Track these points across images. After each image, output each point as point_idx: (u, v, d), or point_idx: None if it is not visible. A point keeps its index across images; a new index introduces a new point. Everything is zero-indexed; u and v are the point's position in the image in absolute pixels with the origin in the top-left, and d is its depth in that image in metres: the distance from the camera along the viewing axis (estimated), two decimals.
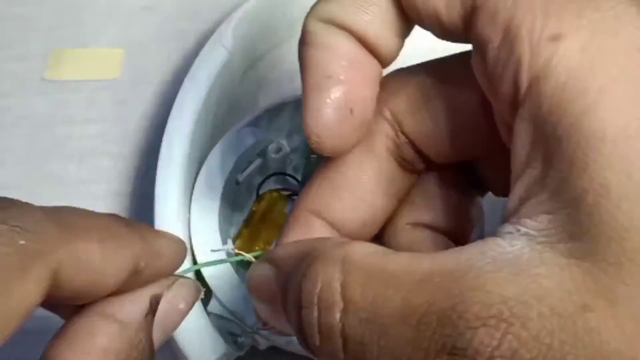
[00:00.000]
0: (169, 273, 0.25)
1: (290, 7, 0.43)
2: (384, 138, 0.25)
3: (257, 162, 0.39)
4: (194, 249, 0.34)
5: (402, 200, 0.26)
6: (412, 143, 0.25)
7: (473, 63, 0.22)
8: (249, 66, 0.44)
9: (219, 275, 0.33)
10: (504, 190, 0.22)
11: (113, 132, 0.43)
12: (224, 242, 0.35)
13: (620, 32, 0.19)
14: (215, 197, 0.36)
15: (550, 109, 0.19)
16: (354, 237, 0.25)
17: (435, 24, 0.22)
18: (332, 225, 0.25)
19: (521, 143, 0.20)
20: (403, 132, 0.25)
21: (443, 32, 0.23)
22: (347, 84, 0.23)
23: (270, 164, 0.39)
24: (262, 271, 0.24)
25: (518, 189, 0.20)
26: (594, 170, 0.18)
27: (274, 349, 0.33)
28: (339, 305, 0.20)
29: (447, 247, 0.22)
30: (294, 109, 0.39)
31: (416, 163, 0.26)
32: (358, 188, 0.25)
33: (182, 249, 0.25)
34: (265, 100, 0.42)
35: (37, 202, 0.40)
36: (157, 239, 0.24)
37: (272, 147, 0.38)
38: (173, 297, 0.24)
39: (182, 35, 0.46)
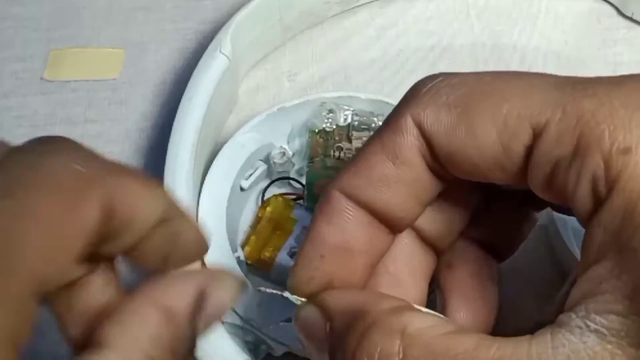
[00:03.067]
0: (193, 253, 0.25)
1: (286, 10, 0.43)
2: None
3: (261, 167, 0.39)
4: (203, 257, 0.35)
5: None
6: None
7: (534, 183, 0.22)
8: (248, 71, 0.44)
9: None
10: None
11: (113, 132, 0.43)
12: (233, 250, 0.35)
13: None
14: (221, 204, 0.37)
15: (623, 222, 0.20)
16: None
17: (491, 169, 0.22)
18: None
19: (593, 244, 0.20)
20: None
21: (500, 175, 0.22)
22: (334, 272, 0.24)
23: (274, 169, 0.39)
24: (311, 314, 0.24)
25: (585, 283, 0.20)
26: None
27: (290, 355, 0.34)
28: None
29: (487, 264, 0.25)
30: (295, 112, 0.40)
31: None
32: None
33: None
34: (266, 105, 0.42)
35: None
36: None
37: (275, 152, 0.39)
38: (219, 293, 0.24)
39: (182, 35, 0.46)
